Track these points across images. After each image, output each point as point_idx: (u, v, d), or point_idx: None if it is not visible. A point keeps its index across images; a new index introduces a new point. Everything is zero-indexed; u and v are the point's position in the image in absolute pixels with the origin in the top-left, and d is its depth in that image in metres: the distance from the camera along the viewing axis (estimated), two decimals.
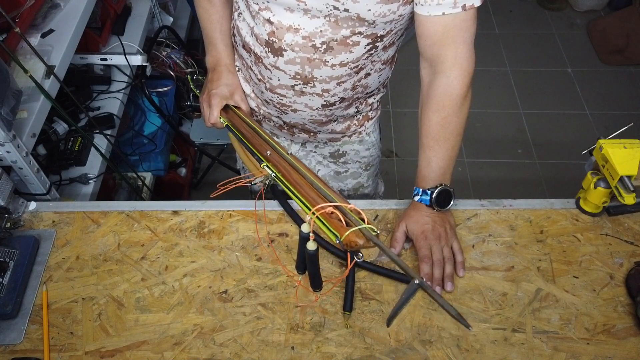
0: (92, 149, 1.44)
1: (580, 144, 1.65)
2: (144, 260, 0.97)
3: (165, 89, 1.88)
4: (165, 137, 1.83)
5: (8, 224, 0.98)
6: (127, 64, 1.61)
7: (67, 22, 1.33)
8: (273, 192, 1.04)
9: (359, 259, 0.69)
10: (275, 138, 0.96)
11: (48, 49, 1.26)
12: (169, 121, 1.84)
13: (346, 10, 0.85)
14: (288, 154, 0.85)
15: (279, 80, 0.99)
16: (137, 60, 1.62)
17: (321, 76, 0.96)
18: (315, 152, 1.26)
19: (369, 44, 0.92)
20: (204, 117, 1.09)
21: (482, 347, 0.85)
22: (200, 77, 1.40)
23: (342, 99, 1.03)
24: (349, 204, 0.71)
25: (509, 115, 2.57)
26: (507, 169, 2.36)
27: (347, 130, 1.17)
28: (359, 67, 0.97)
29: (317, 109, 1.04)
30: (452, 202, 0.94)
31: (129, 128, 1.75)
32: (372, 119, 1.19)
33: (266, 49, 0.95)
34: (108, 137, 1.48)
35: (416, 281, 0.72)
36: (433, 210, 0.93)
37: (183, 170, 2.09)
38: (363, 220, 0.68)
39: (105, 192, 1.57)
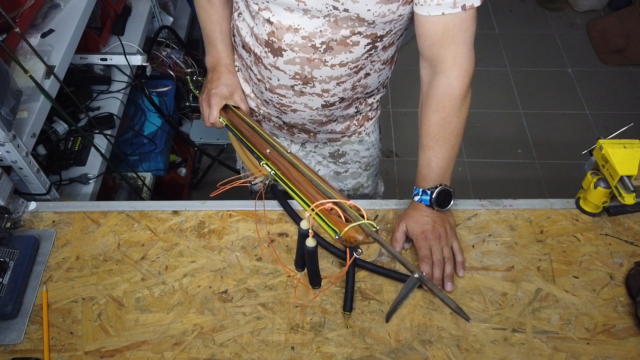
0: (92, 149, 1.44)
1: (580, 144, 1.66)
2: (144, 260, 0.97)
3: (165, 89, 1.88)
4: (165, 137, 1.83)
5: (8, 224, 0.98)
6: (127, 64, 1.61)
7: (67, 22, 1.33)
8: (273, 192, 1.04)
9: (358, 255, 0.69)
10: (275, 138, 0.96)
11: (48, 49, 1.26)
12: (169, 121, 1.84)
13: (346, 10, 0.85)
14: (287, 152, 0.85)
15: (278, 80, 0.99)
16: (137, 60, 1.62)
17: (321, 76, 0.96)
18: (315, 152, 1.26)
19: (368, 44, 0.92)
20: (204, 117, 1.09)
21: (482, 347, 0.85)
22: (200, 78, 1.40)
23: (342, 99, 1.03)
24: (349, 200, 0.71)
25: (509, 115, 2.57)
26: (507, 169, 2.36)
27: (346, 130, 1.17)
28: (359, 67, 0.97)
29: (316, 109, 1.04)
30: (452, 202, 0.94)
31: (129, 128, 1.75)
32: (371, 119, 1.19)
33: (266, 49, 0.95)
34: (108, 137, 1.48)
35: (416, 275, 0.72)
36: (433, 210, 0.93)
37: (183, 170, 2.09)
38: (362, 216, 0.68)
39: (105, 192, 1.57)
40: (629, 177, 0.90)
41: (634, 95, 2.65)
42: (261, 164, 0.87)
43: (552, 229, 1.00)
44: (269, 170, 0.84)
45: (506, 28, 3.03)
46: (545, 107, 2.60)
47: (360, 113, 1.15)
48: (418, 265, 0.91)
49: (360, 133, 1.20)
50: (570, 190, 1.09)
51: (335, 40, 0.90)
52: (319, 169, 1.30)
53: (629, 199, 0.89)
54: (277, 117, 1.12)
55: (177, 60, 1.90)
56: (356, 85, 1.01)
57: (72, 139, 1.45)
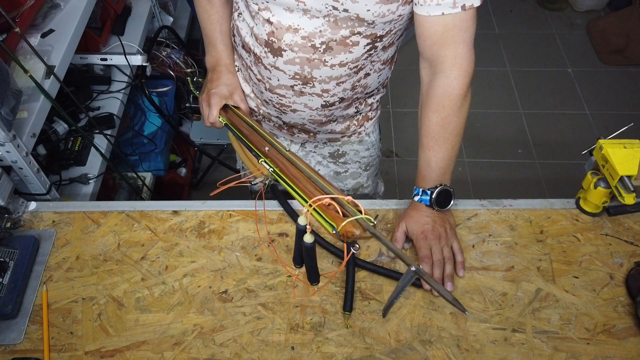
0: (92, 149, 1.44)
1: (580, 144, 1.66)
2: (144, 260, 0.97)
3: (165, 89, 1.89)
4: (165, 137, 1.83)
5: (8, 224, 0.98)
6: (127, 64, 1.61)
7: (67, 22, 1.33)
8: (273, 192, 1.04)
9: (355, 250, 0.69)
10: (275, 138, 0.96)
11: (48, 49, 1.26)
12: (169, 121, 1.84)
13: (345, 10, 0.85)
14: (286, 150, 0.85)
15: (278, 80, 0.99)
16: (137, 60, 1.62)
17: (320, 76, 0.96)
18: (314, 152, 1.26)
19: (368, 44, 0.92)
20: (203, 117, 1.09)
21: (482, 347, 0.85)
22: (200, 79, 1.40)
23: (342, 99, 1.03)
24: (347, 196, 0.71)
25: (509, 115, 2.57)
26: (507, 169, 2.36)
27: (346, 130, 1.17)
28: (359, 67, 0.97)
29: (316, 109, 1.04)
30: (452, 202, 0.94)
31: (129, 128, 1.75)
32: (371, 119, 1.19)
33: (266, 49, 0.95)
34: (108, 137, 1.48)
35: (412, 268, 0.72)
36: (433, 210, 0.93)
37: (183, 170, 2.09)
38: (360, 211, 0.68)
39: (105, 192, 1.57)
40: (629, 177, 0.90)
41: (634, 95, 2.65)
42: (260, 161, 0.87)
43: (552, 229, 1.00)
44: (268, 167, 0.84)
45: (506, 28, 3.03)
46: (545, 107, 2.60)
47: (360, 113, 1.15)
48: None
49: (360, 133, 1.20)
50: (570, 190, 1.09)
51: (335, 41, 0.90)
52: (319, 169, 1.30)
53: (629, 199, 0.89)
54: (277, 117, 1.12)
55: (177, 60, 1.90)
56: (356, 86, 1.01)
57: (72, 139, 1.45)
